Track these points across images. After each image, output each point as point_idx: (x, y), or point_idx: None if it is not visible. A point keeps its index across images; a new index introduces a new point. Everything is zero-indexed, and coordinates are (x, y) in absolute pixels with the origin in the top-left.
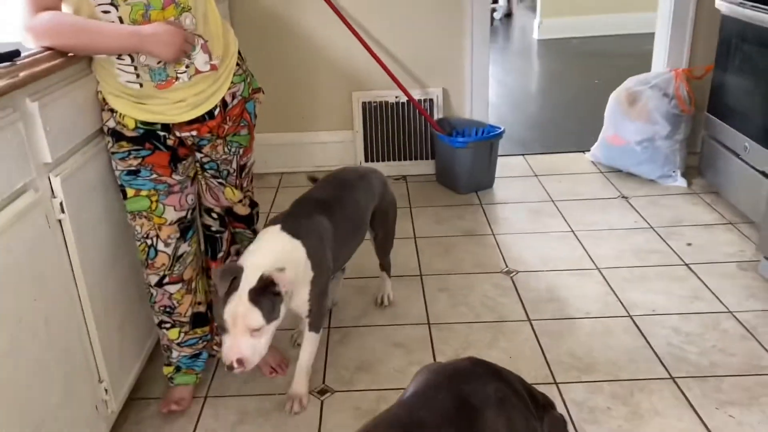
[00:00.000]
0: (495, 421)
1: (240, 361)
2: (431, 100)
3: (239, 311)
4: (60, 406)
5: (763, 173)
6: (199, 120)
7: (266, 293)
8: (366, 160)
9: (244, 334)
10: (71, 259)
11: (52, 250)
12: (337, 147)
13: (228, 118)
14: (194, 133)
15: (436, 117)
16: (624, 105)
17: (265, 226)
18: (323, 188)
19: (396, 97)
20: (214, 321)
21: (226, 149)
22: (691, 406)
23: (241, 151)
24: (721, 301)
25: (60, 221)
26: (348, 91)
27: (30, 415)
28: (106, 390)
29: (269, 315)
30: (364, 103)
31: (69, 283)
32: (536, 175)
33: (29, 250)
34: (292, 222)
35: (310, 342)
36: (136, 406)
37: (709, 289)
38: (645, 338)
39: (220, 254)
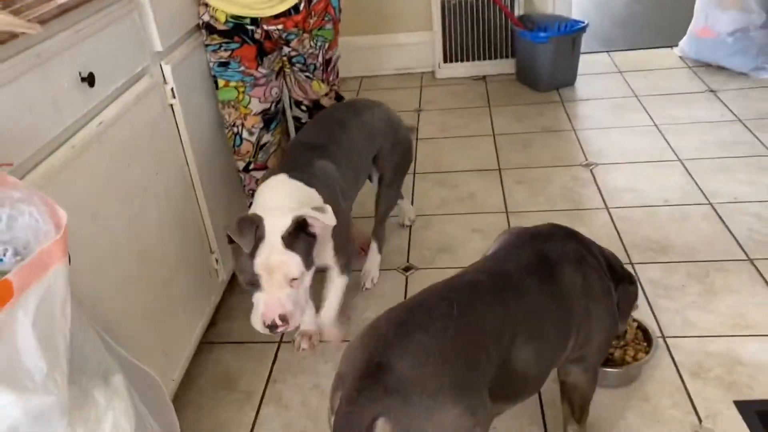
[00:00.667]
0: (572, 275)
1: (284, 318)
2: None
3: (274, 261)
4: (179, 268)
5: None
6: (285, 14)
7: (301, 236)
8: (445, 61)
9: (283, 286)
10: (182, 141)
11: (167, 131)
12: (416, 49)
13: (313, 12)
14: (280, 27)
15: (516, 13)
16: None
17: (264, 178)
18: (315, 130)
19: None
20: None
21: (312, 43)
22: (765, 280)
23: (326, 45)
24: None
25: (171, 105)
26: None
27: (157, 272)
28: (216, 260)
29: (307, 260)
30: (442, 2)
31: (182, 161)
32: (620, 72)
33: (150, 129)
34: (299, 170)
35: (339, 287)
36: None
37: None
38: (724, 224)
39: None
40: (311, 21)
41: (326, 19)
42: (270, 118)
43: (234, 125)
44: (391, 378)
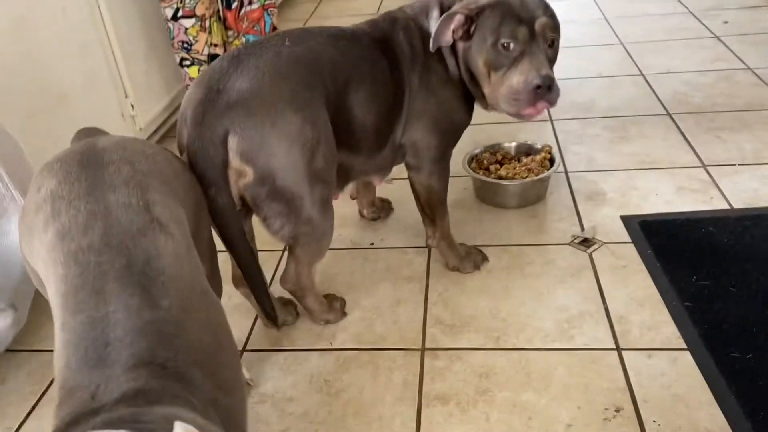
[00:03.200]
0: (402, 44)
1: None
2: None
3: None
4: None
5: None
6: None
7: None
8: None
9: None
10: None
11: None
12: None
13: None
14: None
15: None
16: None
17: None
18: None
19: None
20: None
21: None
22: (680, 130)
23: None
24: (742, 61)
25: None
26: None
27: (51, 86)
28: (132, 105)
29: None
30: None
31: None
32: None
33: None
34: None
35: None
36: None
37: (733, 52)
38: (651, 88)
39: (234, 4)
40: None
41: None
42: None
43: None
44: (231, 95)
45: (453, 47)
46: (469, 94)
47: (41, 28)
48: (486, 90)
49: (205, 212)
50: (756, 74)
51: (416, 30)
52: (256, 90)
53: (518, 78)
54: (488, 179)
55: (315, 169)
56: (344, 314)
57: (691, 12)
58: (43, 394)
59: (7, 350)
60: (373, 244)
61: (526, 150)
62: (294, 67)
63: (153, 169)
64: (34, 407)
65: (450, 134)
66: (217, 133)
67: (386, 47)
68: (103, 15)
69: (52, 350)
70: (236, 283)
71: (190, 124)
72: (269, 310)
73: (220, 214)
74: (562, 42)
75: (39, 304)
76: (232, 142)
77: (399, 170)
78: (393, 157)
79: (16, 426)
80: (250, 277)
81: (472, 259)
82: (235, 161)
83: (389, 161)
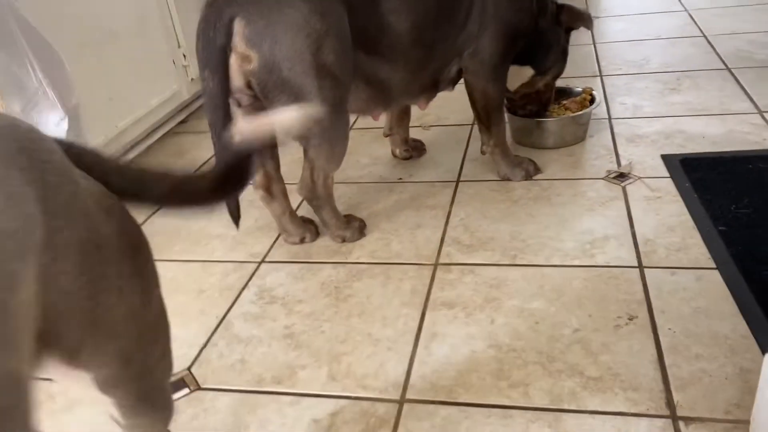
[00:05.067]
0: None
1: None
2: None
3: None
4: (138, 31)
5: None
6: None
7: None
8: None
9: None
10: None
11: None
12: None
13: None
14: None
15: None
16: None
17: None
18: None
19: None
20: None
21: None
22: (738, 82)
23: None
24: None
25: None
26: None
27: (102, 22)
28: (184, 56)
29: None
30: None
31: None
32: None
33: None
34: None
35: None
36: None
37: None
38: (712, 47)
39: None
40: None
41: None
42: None
43: None
44: None
45: None
46: None
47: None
48: None
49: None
50: None
51: None
52: None
53: None
54: (524, 118)
55: (322, 62)
56: (362, 234)
57: None
58: None
59: None
60: (401, 179)
61: (567, 93)
62: None
63: None
64: None
65: (516, 40)
66: (224, 16)
67: None
68: None
69: None
70: (256, 186)
71: (203, 7)
72: (232, 206)
73: (209, 96)
74: (619, 10)
75: None
76: (239, 26)
77: (434, 117)
78: (440, 74)
79: None
80: (219, 166)
81: (524, 167)
82: (240, 46)
83: (435, 79)
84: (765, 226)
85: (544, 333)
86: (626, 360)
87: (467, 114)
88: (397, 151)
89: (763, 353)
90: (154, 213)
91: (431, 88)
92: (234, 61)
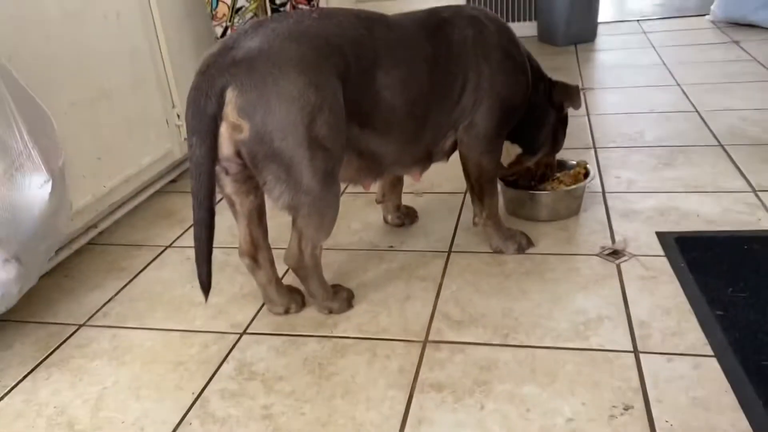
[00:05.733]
0: (463, 29)
1: None
2: None
3: None
4: (132, 90)
5: None
6: None
7: None
8: None
9: None
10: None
11: None
12: None
13: None
14: None
15: None
16: None
17: None
18: None
19: None
20: None
21: None
22: (731, 159)
23: None
24: None
25: None
26: None
27: (95, 81)
28: (178, 116)
29: None
30: None
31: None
32: (644, 32)
33: None
34: None
35: None
36: None
37: None
38: (705, 123)
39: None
40: None
41: None
42: None
43: None
44: (239, 52)
45: None
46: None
47: (92, 26)
48: None
49: None
50: None
51: (484, 17)
52: (265, 49)
53: None
54: (518, 190)
55: (315, 134)
56: (350, 306)
57: (755, 59)
58: (44, 360)
59: (19, 321)
60: (392, 246)
61: (561, 165)
62: (311, 35)
63: None
64: (32, 370)
65: (511, 114)
66: (216, 85)
67: (442, 33)
68: (156, 26)
69: (60, 323)
70: (241, 253)
71: (196, 74)
72: (204, 277)
73: (195, 164)
74: (613, 83)
75: (55, 279)
76: (231, 96)
77: (428, 184)
78: (434, 146)
79: (12, 384)
80: (198, 236)
81: (517, 240)
82: (232, 115)
83: (428, 152)
84: (762, 312)
85: (536, 422)
86: None
87: (460, 182)
88: (389, 218)
89: None
90: (141, 272)
91: (425, 159)
92: (224, 129)
